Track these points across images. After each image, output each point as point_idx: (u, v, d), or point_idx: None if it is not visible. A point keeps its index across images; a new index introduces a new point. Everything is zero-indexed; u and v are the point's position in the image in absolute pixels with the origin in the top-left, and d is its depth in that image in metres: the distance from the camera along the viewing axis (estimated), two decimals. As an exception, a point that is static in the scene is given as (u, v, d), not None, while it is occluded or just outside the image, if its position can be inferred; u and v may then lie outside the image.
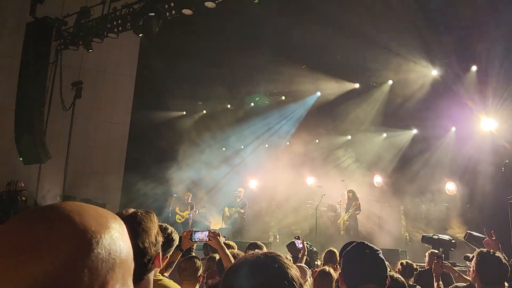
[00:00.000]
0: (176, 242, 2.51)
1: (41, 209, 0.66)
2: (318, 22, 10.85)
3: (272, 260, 1.13)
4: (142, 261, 1.50)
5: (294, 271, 1.12)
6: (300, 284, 1.11)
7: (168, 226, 2.52)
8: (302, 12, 11.67)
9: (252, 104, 15.40)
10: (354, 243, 1.92)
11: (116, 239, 0.67)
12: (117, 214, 1.56)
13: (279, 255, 1.17)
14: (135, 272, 1.43)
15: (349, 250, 1.87)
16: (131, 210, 1.61)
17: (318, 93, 13.98)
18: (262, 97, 14.65)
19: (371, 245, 1.87)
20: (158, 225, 1.66)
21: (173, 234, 2.45)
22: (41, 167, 12.52)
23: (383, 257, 1.83)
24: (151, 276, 1.54)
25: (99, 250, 0.63)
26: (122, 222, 0.71)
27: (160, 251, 1.57)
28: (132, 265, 0.71)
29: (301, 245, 5.58)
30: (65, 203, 0.68)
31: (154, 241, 1.54)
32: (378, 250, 1.85)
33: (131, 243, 1.45)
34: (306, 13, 11.57)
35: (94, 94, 14.67)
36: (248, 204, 11.90)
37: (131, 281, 0.71)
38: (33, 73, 11.88)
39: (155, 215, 1.63)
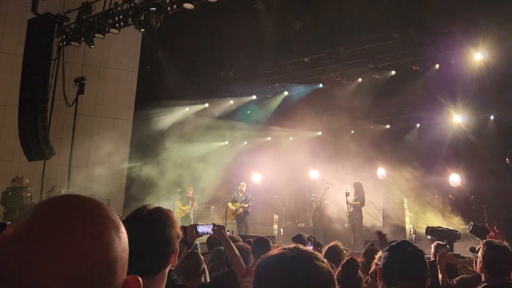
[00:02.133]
0: None
1: (54, 205, 0.63)
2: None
3: (307, 263, 1.00)
4: (166, 252, 1.53)
5: (328, 276, 1.00)
6: None
7: None
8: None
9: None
10: (398, 241, 1.94)
11: (123, 234, 0.67)
12: (142, 207, 1.64)
13: (316, 256, 1.03)
14: (156, 263, 1.47)
15: (392, 246, 1.90)
16: (154, 206, 1.66)
17: (320, 85, 13.92)
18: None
19: (415, 245, 1.90)
20: None
21: None
22: (45, 163, 12.58)
23: (425, 259, 1.85)
24: (167, 270, 1.57)
25: (117, 246, 0.63)
26: None
27: (177, 247, 1.61)
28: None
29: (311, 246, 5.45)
30: (75, 198, 0.65)
31: (176, 235, 1.60)
32: (422, 250, 1.87)
33: (159, 233, 1.52)
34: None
35: (97, 90, 14.68)
36: (252, 198, 11.89)
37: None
38: (35, 70, 11.89)
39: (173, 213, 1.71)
